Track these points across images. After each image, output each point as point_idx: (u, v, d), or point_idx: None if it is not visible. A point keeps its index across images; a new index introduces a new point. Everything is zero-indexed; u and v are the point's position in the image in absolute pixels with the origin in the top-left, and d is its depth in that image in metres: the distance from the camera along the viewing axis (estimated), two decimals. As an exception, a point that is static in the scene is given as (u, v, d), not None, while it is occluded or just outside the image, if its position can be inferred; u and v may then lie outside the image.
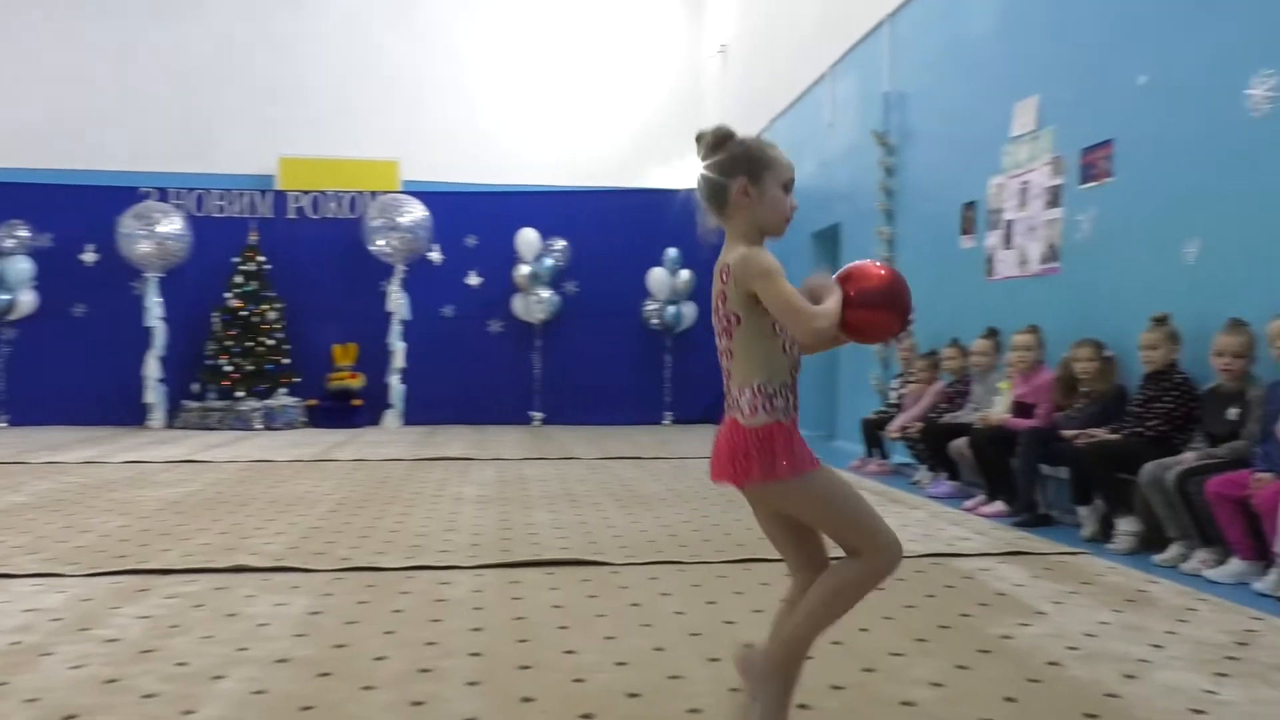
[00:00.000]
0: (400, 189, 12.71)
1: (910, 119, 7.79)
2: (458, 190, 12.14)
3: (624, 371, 11.30)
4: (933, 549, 4.24)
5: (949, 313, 6.89)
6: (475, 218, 11.34)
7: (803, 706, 2.36)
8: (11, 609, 3.24)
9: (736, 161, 2.04)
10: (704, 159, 2.08)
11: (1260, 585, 3.52)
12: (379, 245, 10.68)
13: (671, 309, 11.06)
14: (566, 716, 2.32)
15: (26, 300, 10.45)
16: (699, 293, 11.13)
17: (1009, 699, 2.42)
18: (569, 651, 2.81)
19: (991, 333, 5.99)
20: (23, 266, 10.41)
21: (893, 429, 6.61)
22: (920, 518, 5.03)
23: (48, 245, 10.66)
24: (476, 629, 3.04)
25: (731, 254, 2.04)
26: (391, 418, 10.63)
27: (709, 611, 3.25)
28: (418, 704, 2.40)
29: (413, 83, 15.40)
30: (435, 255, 11.07)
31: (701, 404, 11.37)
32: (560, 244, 11.08)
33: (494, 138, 15.54)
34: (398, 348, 10.69)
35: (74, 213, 10.74)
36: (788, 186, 2.08)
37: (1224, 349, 4.00)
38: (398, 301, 10.70)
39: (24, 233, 10.47)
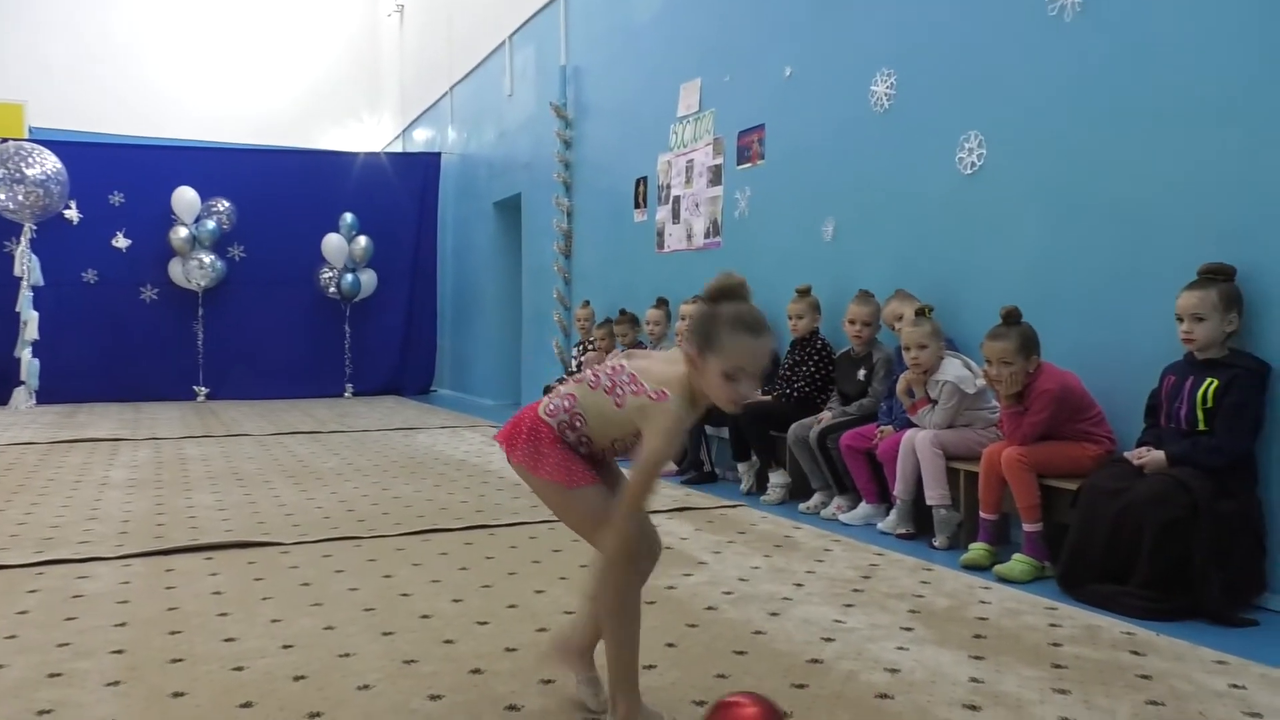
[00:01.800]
0: (26, 136, 11.16)
1: (587, 94, 7.99)
2: (101, 141, 10.84)
3: (299, 342, 10.71)
4: (607, 509, 4.41)
5: (623, 283, 7.20)
6: (122, 172, 10.20)
7: (475, 671, 2.38)
8: None
9: (697, 323, 1.94)
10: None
11: (883, 525, 4.02)
12: (2, 200, 9.30)
13: (350, 277, 10.63)
14: (223, 708, 2.18)
15: None
16: (377, 260, 10.78)
17: (669, 644, 2.59)
18: (229, 639, 2.64)
19: (662, 302, 6.32)
20: None
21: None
22: (597, 480, 5.22)
23: None
24: (120, 624, 2.77)
25: (667, 384, 1.94)
26: (22, 396, 9.36)
27: (384, 585, 3.19)
28: (44, 712, 2.15)
29: (39, 20, 13.54)
30: (72, 213, 9.83)
31: (382, 376, 11.09)
32: (224, 205, 10.26)
33: (146, 83, 14.09)
34: (29, 317, 9.40)
35: None
36: (734, 375, 1.88)
37: (855, 317, 4.50)
38: (27, 265, 9.39)
39: None
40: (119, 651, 2.54)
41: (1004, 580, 3.25)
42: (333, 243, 10.51)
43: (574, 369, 7.34)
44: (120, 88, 13.89)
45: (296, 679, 2.35)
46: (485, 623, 2.78)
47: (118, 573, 3.34)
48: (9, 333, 9.40)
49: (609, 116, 7.64)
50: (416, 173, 11.37)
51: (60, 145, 9.82)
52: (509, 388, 9.77)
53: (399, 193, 11.17)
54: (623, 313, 6.85)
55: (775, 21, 5.54)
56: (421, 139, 13.03)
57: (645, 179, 6.97)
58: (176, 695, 2.25)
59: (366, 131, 15.08)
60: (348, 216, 10.60)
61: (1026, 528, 3.35)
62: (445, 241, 11.55)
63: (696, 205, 6.33)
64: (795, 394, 4.80)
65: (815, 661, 2.46)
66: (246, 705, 2.19)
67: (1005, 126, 3.98)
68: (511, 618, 2.82)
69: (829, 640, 2.63)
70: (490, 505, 4.53)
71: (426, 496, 4.76)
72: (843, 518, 4.22)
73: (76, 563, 3.47)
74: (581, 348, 7.32)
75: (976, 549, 3.47)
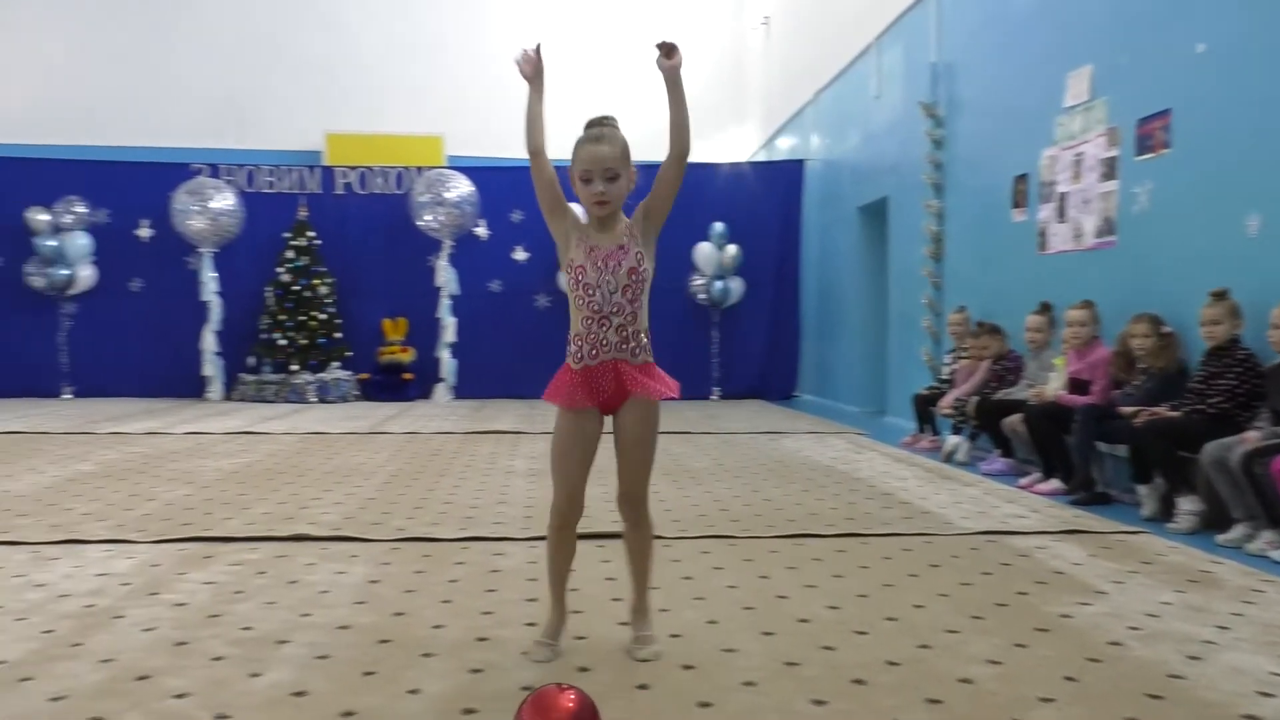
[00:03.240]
0: (445, 164, 12.77)
1: (959, 90, 7.65)
2: (503, 165, 12.15)
3: (670, 346, 11.25)
4: (987, 526, 4.20)
5: (999, 287, 6.80)
6: (521, 192, 11.33)
7: (858, 682, 2.37)
8: (84, 573, 3.35)
9: None
10: None
11: (1325, 566, 3.45)
12: (426, 220, 10.76)
13: (719, 284, 11.03)
14: (624, 686, 2.35)
15: (86, 275, 10.70)
16: (746, 268, 11.08)
17: (1069, 678, 2.40)
18: (623, 624, 2.83)
19: (1045, 308, 5.89)
20: (81, 242, 10.66)
21: (945, 405, 6.55)
22: (974, 495, 4.99)
23: (104, 221, 10.89)
24: (531, 599, 3.08)
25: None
26: (441, 391, 10.75)
27: (761, 585, 3.27)
28: (476, 671, 2.45)
29: (455, 57, 15.42)
30: (482, 230, 11.14)
31: (747, 380, 11.36)
32: (606, 218, 11.05)
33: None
34: (447, 322, 10.79)
35: (129, 189, 10.95)
36: (584, 177, 2.51)
37: (1289, 324, 3.90)
38: (446, 276, 10.78)
39: (81, 209, 10.70)
40: (532, 625, 2.83)
41: None
42: (704, 251, 10.97)
43: (945, 377, 7.07)
44: (515, 117, 15.44)
45: (685, 668, 2.47)
46: (864, 633, 2.75)
47: (526, 552, 3.72)
48: (431, 336, 10.82)
49: (984, 113, 7.26)
50: (780, 180, 11.55)
51: (471, 170, 11.18)
52: (873, 394, 9.61)
53: (763, 201, 11.41)
54: (981, 324, 6.49)
55: (1187, -7, 4.96)
56: (785, 147, 13.21)
57: (1025, 176, 6.54)
58: (581, 670, 2.46)
59: (732, 142, 15.58)
60: (718, 225, 11.00)
61: None
62: (809, 248, 11.62)
63: (1086, 202, 5.82)
64: (1211, 410, 4.25)
65: (1251, 718, 2.17)
66: (643, 687, 2.35)
67: None
68: (891, 630, 2.77)
69: (1268, 695, 2.29)
70: (860, 514, 4.48)
71: (795, 500, 4.80)
72: (1274, 554, 3.67)
73: (492, 540, 3.91)
74: (953, 356, 7.02)
75: None
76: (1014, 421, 5.55)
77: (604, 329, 2.56)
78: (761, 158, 14.28)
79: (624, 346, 2.60)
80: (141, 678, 2.38)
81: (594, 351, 2.58)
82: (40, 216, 10.57)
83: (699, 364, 11.28)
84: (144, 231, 10.90)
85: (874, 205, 9.63)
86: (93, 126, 14.25)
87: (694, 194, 11.25)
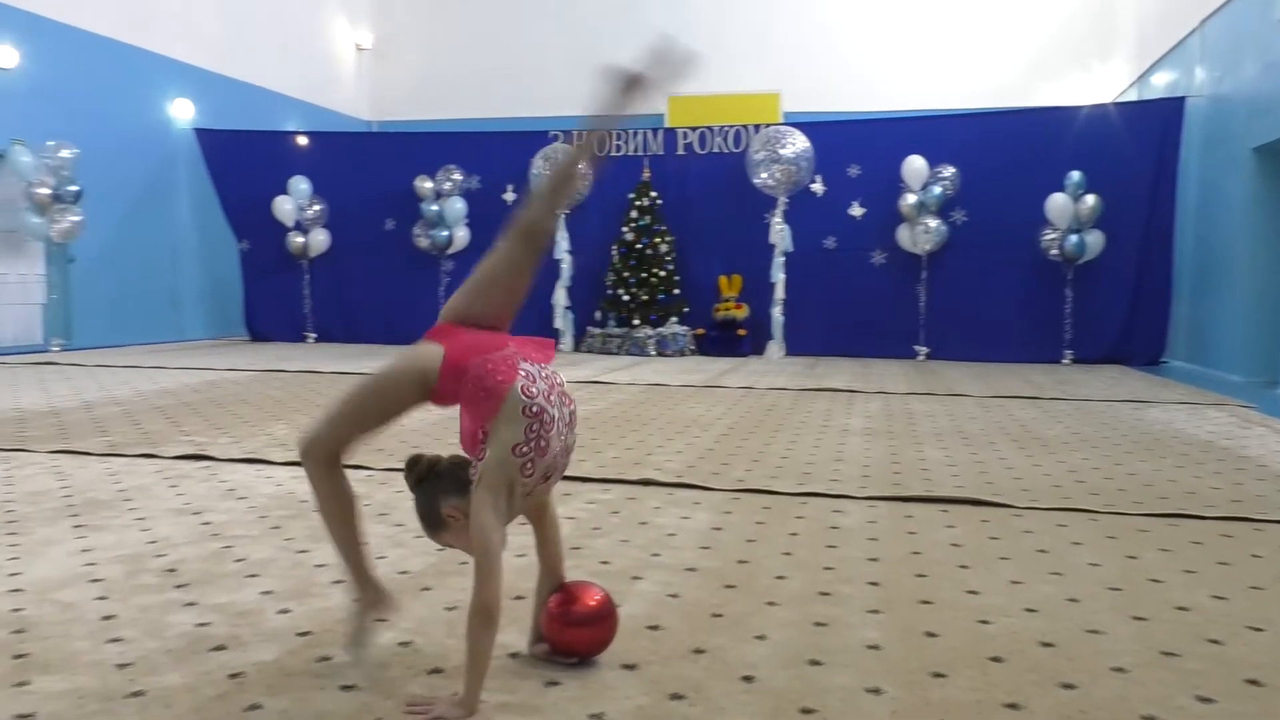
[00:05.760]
0: (781, 121, 12.75)
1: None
2: (840, 119, 11.92)
3: (1017, 305, 10.59)
4: None
5: None
6: (858, 147, 11.11)
7: (1252, 682, 2.10)
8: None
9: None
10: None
11: None
12: (762, 178, 10.83)
13: (1074, 238, 10.13)
14: (974, 656, 2.25)
15: (461, 236, 11.94)
16: (1105, 219, 10.08)
17: None
18: (971, 591, 2.72)
19: None
20: (458, 206, 11.89)
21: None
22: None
23: (476, 187, 12.05)
24: (872, 559, 3.04)
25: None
26: (774, 348, 10.86)
27: (1129, 566, 2.99)
28: (820, 624, 2.46)
29: (792, 12, 15.31)
30: (817, 186, 11.03)
31: (1105, 343, 10.40)
32: (949, 171, 10.53)
33: (877, 63, 15.06)
34: (779, 279, 10.84)
35: (497, 157, 12.02)
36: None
37: None
38: (780, 233, 10.81)
39: (457, 176, 11.92)
40: (874, 584, 2.79)
41: None
42: (1057, 203, 10.11)
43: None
44: (856, 68, 15.07)
45: (1044, 645, 2.33)
46: (1259, 629, 2.44)
47: (865, 512, 3.67)
48: (765, 292, 10.92)
49: None
50: (1153, 122, 10.32)
51: (807, 126, 11.07)
52: (1264, 363, 8.41)
53: (1131, 146, 10.26)
54: None
55: None
56: (1161, 83, 11.79)
57: None
58: (929, 635, 2.39)
59: (1095, 82, 14.16)
60: (1074, 175, 10.09)
61: None
62: (1186, 197, 10.32)
63: None
64: None
65: None
66: (996, 660, 2.24)
67: None
68: (1296, 630, 2.43)
69: None
70: (1250, 496, 3.95)
71: (1168, 477, 4.34)
72: None
73: (830, 498, 3.90)
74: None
75: None
76: None
77: None
78: (1130, 97, 12.87)
79: None
80: (518, 598, 2.63)
81: None
82: (425, 184, 11.92)
83: (1048, 325, 10.47)
84: (509, 195, 11.93)
85: (1273, 145, 8.36)
86: (465, 100, 15.84)
87: (1047, 142, 10.41)
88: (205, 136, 12.54)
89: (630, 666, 2.18)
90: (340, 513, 2.16)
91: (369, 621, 2.22)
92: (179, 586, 2.70)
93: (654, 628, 2.42)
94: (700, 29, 15.24)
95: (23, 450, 4.72)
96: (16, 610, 2.50)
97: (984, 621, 2.49)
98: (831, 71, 15.05)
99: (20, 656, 2.20)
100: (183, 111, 12.58)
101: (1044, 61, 14.53)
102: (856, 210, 11.01)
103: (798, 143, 10.80)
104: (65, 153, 10.22)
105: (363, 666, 2.15)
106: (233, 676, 2.10)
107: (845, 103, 14.30)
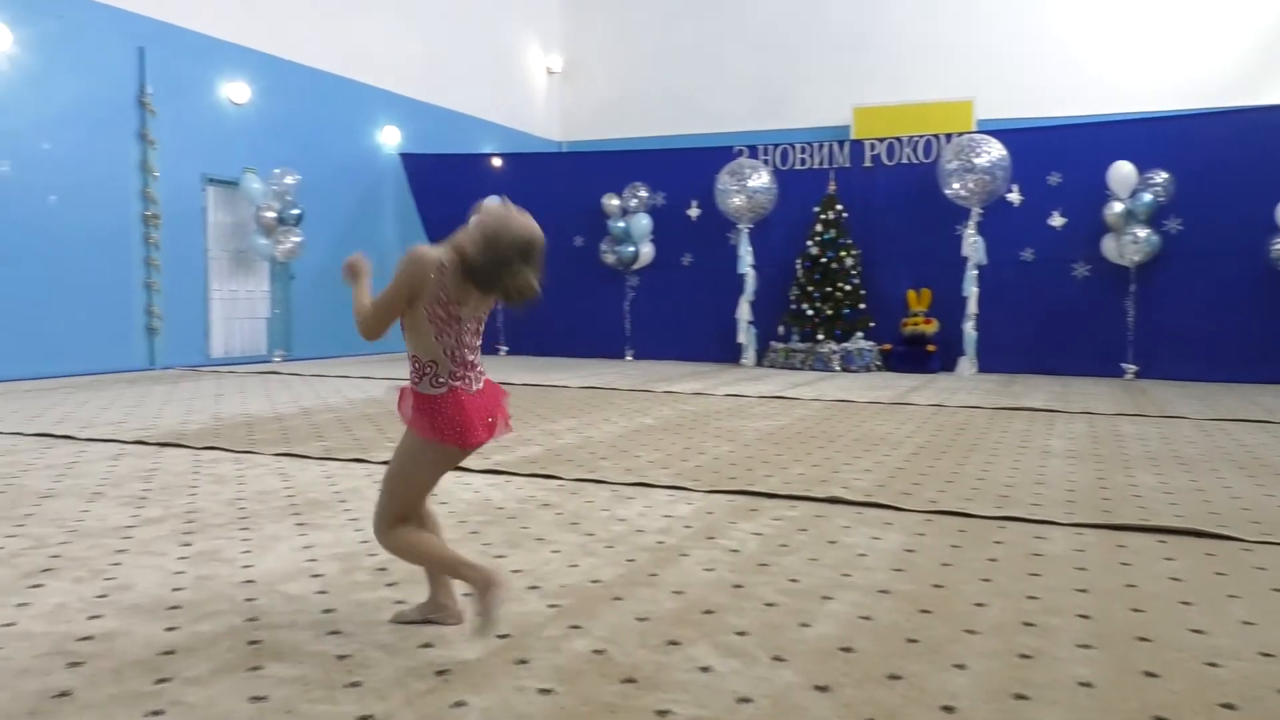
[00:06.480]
0: (975, 129, 12.28)
1: None
2: (1038, 125, 11.36)
3: (1240, 320, 9.73)
4: None
5: None
6: (1059, 153, 10.53)
7: None
8: (653, 513, 3.82)
9: None
10: None
11: None
12: (954, 189, 10.45)
13: (1309, 247, 9.22)
14: (1202, 702, 2.08)
15: (646, 251, 12.14)
16: (1350, 226, 9.12)
17: None
18: (1196, 631, 2.52)
19: None
20: (643, 222, 12.10)
21: None
22: None
23: (661, 203, 12.22)
24: (1081, 590, 2.86)
25: None
26: (966, 364, 10.44)
27: (1385, 612, 2.68)
28: (1025, 657, 2.34)
29: (985, 15, 14.73)
30: (1014, 196, 10.53)
31: (1348, 361, 9.40)
32: (1161, 176, 9.82)
33: (1078, 64, 14.27)
34: (971, 293, 10.42)
35: (680, 173, 12.15)
36: None
37: None
38: (973, 245, 10.39)
39: (643, 193, 12.13)
40: (1084, 616, 2.63)
41: None
42: (1290, 208, 9.24)
43: None
44: (1056, 71, 14.32)
45: (1283, 694, 2.12)
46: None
47: (1071, 539, 3.47)
48: (956, 307, 10.52)
49: None
50: None
51: (1003, 133, 10.59)
52: None
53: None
54: None
55: None
56: None
57: None
58: (1149, 675, 2.23)
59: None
60: (1309, 177, 9.20)
61: None
62: None
63: None
64: None
65: None
66: (1228, 706, 2.06)
67: None
68: None
69: None
70: None
71: None
72: None
73: (1031, 523, 3.70)
74: None
75: None
76: None
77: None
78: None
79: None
80: (707, 611, 2.64)
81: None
82: (612, 201, 12.20)
83: (1274, 339, 9.56)
84: (693, 211, 12.02)
85: None
86: (650, 118, 16.14)
87: (1275, 143, 9.52)
88: (409, 160, 13.34)
89: (822, 688, 2.14)
90: (429, 552, 2.44)
91: (491, 598, 2.27)
92: (389, 585, 2.87)
93: (847, 649, 2.37)
94: (885, 38, 14.94)
95: (252, 453, 5.14)
96: (250, 600, 2.73)
97: (1212, 664, 2.30)
98: (1028, 75, 14.38)
99: (254, 643, 2.39)
100: (390, 138, 13.43)
101: (1265, 56, 13.35)
102: (1057, 220, 10.44)
103: (993, 151, 10.35)
104: (289, 179, 11.10)
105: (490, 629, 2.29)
106: (439, 674, 2.21)
107: (1044, 108, 13.63)
